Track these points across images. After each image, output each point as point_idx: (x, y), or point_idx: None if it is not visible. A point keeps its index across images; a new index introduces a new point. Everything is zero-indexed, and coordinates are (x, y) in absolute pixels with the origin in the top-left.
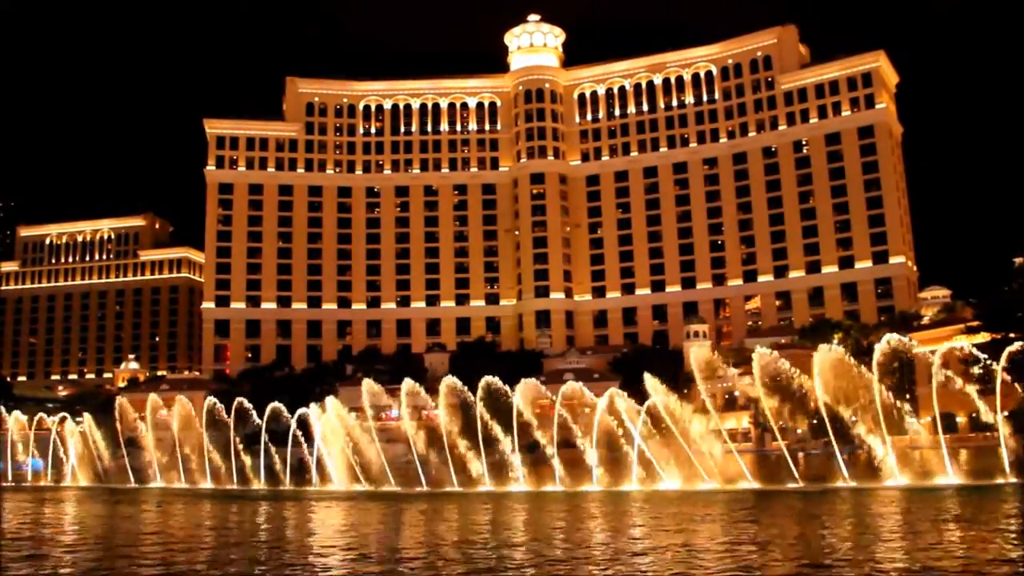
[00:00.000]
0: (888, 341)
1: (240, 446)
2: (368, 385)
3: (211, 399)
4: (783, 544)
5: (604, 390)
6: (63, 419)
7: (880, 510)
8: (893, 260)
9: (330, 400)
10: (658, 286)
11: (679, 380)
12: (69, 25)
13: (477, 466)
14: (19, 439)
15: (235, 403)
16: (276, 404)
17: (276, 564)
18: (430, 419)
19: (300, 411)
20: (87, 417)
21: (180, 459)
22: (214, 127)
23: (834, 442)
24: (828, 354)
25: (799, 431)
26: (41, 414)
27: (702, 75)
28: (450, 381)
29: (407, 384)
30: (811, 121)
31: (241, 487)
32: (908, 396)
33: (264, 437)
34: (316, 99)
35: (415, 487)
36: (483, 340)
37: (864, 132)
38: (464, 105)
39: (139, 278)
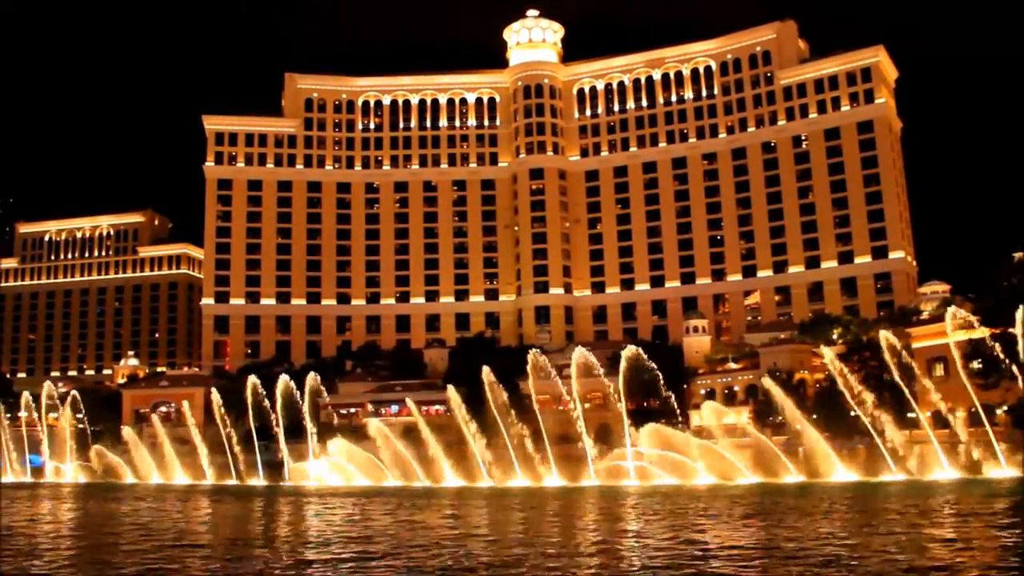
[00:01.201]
0: (831, 351)
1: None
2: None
3: (185, 403)
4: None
5: (603, 385)
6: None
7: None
8: (892, 255)
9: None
10: (657, 281)
11: (679, 375)
12: (68, 21)
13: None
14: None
15: (214, 398)
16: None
17: None
18: (436, 414)
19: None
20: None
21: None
22: (213, 123)
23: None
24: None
25: (798, 426)
26: (27, 393)
27: (701, 70)
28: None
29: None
30: (810, 116)
31: (238, 483)
32: (909, 391)
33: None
34: (315, 95)
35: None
36: (482, 336)
37: (863, 127)
38: (463, 101)
39: (138, 274)
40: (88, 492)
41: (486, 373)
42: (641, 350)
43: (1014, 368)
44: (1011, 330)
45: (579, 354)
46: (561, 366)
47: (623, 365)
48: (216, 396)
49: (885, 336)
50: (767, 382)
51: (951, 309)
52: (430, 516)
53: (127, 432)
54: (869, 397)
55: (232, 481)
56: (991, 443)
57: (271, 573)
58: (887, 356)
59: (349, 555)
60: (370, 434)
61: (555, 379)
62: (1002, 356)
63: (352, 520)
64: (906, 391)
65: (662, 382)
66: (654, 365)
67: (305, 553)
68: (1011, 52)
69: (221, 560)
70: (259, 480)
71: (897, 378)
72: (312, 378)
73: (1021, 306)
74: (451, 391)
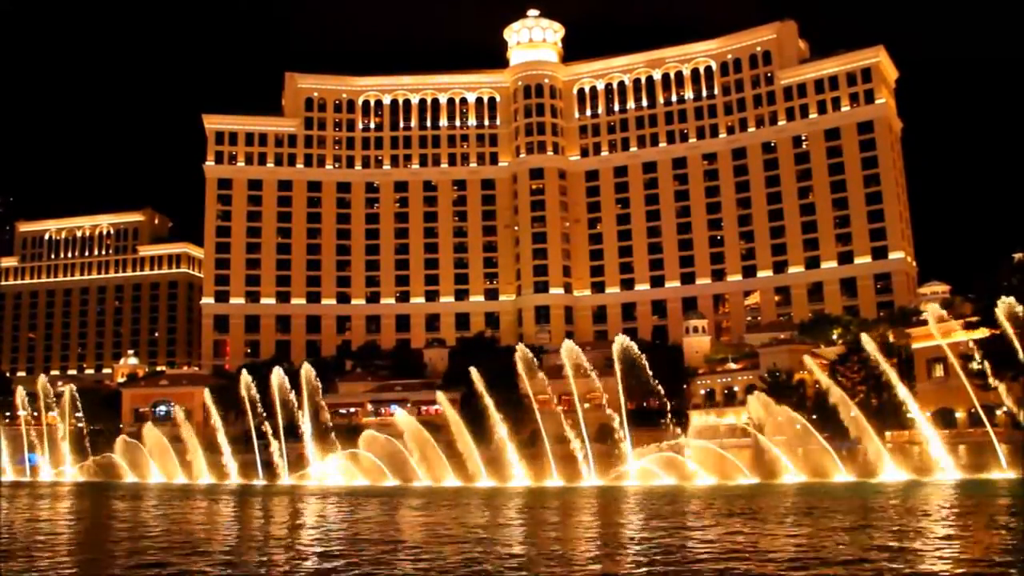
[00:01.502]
0: (817, 363)
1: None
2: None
3: (177, 408)
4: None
5: (602, 385)
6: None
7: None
8: (892, 255)
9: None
10: (657, 281)
11: (679, 375)
12: (68, 21)
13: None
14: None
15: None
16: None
17: None
18: (436, 414)
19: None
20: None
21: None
22: (213, 122)
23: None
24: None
25: (797, 427)
26: (22, 389)
27: (701, 70)
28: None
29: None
30: (810, 116)
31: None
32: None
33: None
34: (315, 94)
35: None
36: (482, 335)
37: (864, 127)
38: (463, 100)
39: (138, 273)
40: (85, 491)
41: (476, 377)
42: (633, 342)
43: (991, 378)
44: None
45: (569, 350)
46: (560, 366)
47: (616, 349)
48: (208, 397)
49: (867, 340)
50: (752, 403)
51: (930, 308)
52: (431, 516)
53: (119, 444)
54: (868, 399)
55: (234, 480)
56: (992, 444)
57: (268, 574)
58: (877, 357)
59: (343, 555)
60: (361, 448)
61: (542, 378)
62: (979, 359)
63: (351, 519)
64: (907, 391)
65: (658, 383)
66: (646, 363)
67: (305, 553)
68: (1011, 52)
69: (215, 561)
70: (258, 479)
71: (895, 379)
72: (307, 370)
73: (1000, 303)
74: (440, 397)
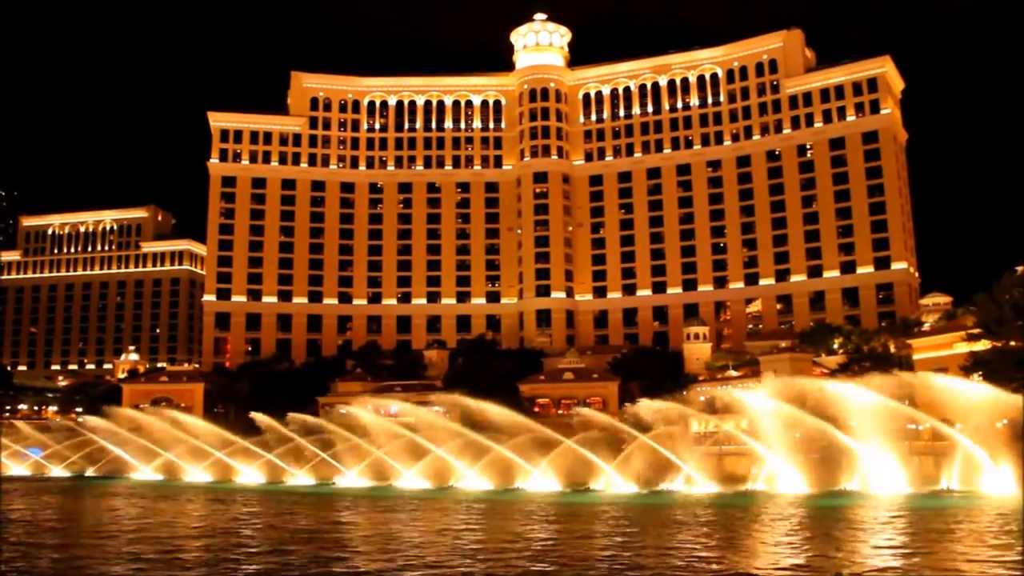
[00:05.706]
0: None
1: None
2: None
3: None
4: None
5: (602, 391)
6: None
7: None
8: (895, 266)
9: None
10: (659, 287)
11: (678, 381)
12: (74, 16)
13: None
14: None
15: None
16: None
17: None
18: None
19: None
20: None
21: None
22: (218, 120)
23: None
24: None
25: (796, 435)
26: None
27: (707, 77)
28: None
29: None
30: (815, 125)
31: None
32: (907, 402)
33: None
34: (321, 94)
35: None
36: (483, 338)
37: (868, 137)
38: (469, 103)
39: (141, 270)
40: (85, 487)
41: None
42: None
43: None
44: (1012, 343)
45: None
46: (561, 370)
47: None
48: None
49: (875, 377)
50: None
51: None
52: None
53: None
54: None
55: (241, 478)
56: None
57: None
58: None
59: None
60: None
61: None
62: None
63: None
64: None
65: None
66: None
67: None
68: (1016, 65)
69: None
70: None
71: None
72: None
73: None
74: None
